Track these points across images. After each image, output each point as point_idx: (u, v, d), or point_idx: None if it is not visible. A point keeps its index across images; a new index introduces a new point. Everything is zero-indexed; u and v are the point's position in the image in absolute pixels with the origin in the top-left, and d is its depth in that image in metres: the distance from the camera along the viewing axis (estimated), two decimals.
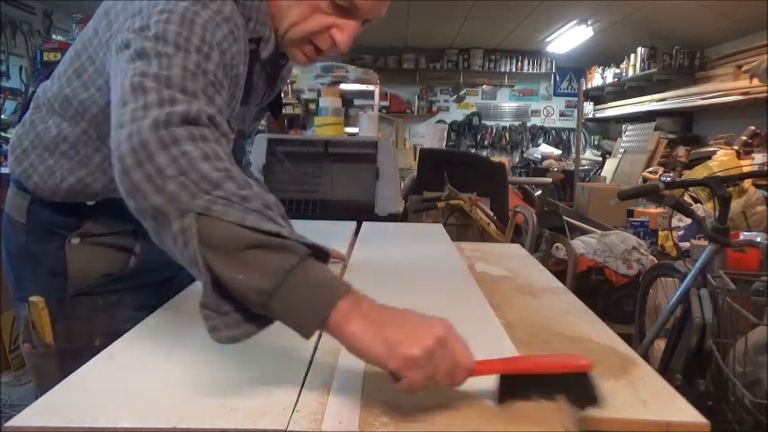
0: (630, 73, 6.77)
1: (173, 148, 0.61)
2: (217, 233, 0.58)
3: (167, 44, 0.71)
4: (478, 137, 8.92)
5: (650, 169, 5.47)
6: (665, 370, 1.89)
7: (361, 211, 2.59)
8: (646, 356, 2.04)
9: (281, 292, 0.58)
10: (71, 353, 0.94)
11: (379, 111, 4.42)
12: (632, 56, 6.67)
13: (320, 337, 0.86)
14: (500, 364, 0.68)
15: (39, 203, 0.98)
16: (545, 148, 8.04)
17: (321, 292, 0.59)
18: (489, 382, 0.67)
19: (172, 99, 0.66)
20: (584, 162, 7.20)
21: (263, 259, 0.58)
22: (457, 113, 9.05)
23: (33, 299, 0.97)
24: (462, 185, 3.14)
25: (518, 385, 0.65)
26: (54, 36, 5.52)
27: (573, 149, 7.43)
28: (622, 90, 7.37)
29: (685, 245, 2.86)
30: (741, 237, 2.74)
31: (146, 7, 0.76)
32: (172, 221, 0.60)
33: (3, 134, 4.14)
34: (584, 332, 0.98)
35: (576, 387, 0.65)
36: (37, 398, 0.65)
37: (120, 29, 0.79)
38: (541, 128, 8.94)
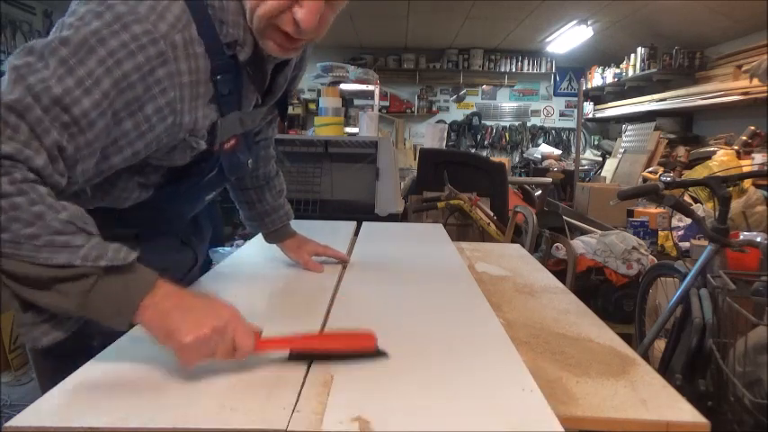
0: (630, 73, 6.76)
1: None
2: (16, 271, 0.66)
3: (46, 67, 0.69)
4: (478, 137, 8.92)
5: (650, 169, 5.47)
6: (665, 370, 1.89)
7: (361, 211, 2.60)
8: (646, 356, 2.04)
9: (87, 308, 0.68)
10: (70, 353, 0.93)
11: (379, 111, 4.42)
12: (632, 56, 6.67)
13: None
14: (285, 341, 0.76)
15: None
16: (545, 148, 8.03)
17: (121, 300, 0.69)
18: None
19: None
20: (584, 162, 7.19)
21: (63, 288, 0.67)
22: (457, 113, 9.04)
23: None
24: (462, 185, 3.14)
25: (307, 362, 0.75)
26: None
27: (573, 149, 7.42)
28: (622, 90, 7.36)
29: (685, 245, 2.86)
30: (741, 237, 2.73)
31: (69, 12, 0.75)
32: None
33: None
34: (584, 332, 0.98)
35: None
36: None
37: None
38: (541, 128, 8.93)
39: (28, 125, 0.67)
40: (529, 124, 8.97)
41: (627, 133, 6.75)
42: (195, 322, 0.69)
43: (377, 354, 0.76)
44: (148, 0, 0.74)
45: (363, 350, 0.76)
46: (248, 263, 1.39)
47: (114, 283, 0.68)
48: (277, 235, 1.33)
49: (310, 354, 0.75)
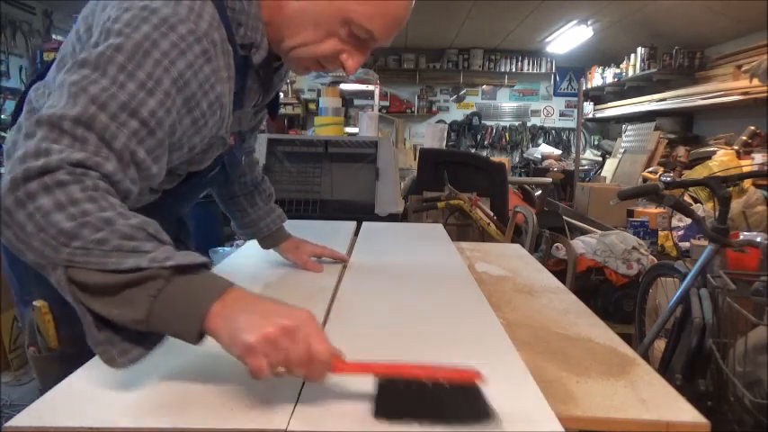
0: (630, 73, 6.76)
1: (28, 204, 0.63)
2: (86, 280, 0.63)
3: (104, 76, 0.70)
4: (478, 137, 8.92)
5: (650, 169, 5.47)
6: (665, 370, 1.89)
7: (361, 211, 2.60)
8: (646, 356, 2.04)
9: (154, 317, 0.63)
10: (75, 357, 0.93)
11: (379, 111, 4.42)
12: (632, 56, 6.67)
13: None
14: (374, 365, 0.65)
15: None
16: (545, 148, 8.03)
17: (190, 305, 0.64)
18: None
19: (46, 150, 0.65)
20: (584, 162, 7.19)
21: (130, 295, 0.63)
22: (457, 113, 9.04)
23: (37, 303, 0.96)
24: (462, 185, 3.14)
25: (399, 397, 0.62)
26: (54, 36, 5.52)
27: (573, 149, 7.42)
28: (622, 90, 7.36)
29: (685, 245, 2.86)
30: (741, 237, 2.73)
31: (111, 20, 0.74)
32: (49, 273, 0.65)
33: (3, 134, 4.14)
34: (584, 332, 0.98)
35: (464, 402, 0.61)
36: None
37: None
38: (541, 128, 8.94)
39: (96, 134, 0.67)
40: (529, 124, 8.97)
41: (627, 133, 6.75)
42: (261, 321, 0.62)
43: (482, 408, 0.61)
44: (186, 0, 0.76)
45: (463, 383, 0.62)
46: (248, 263, 1.39)
47: (183, 286, 0.64)
48: (273, 238, 1.33)
49: (405, 388, 0.62)
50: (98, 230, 0.63)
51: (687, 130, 6.15)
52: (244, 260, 1.43)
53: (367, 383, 0.64)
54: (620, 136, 6.95)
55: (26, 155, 0.64)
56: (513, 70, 8.78)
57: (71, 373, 0.73)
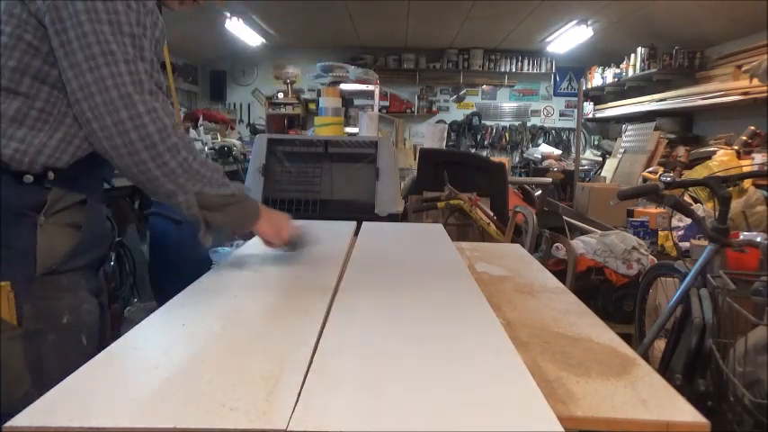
0: (630, 73, 6.76)
1: (177, 154, 1.04)
2: (207, 202, 1.10)
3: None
4: (478, 137, 8.92)
5: (650, 169, 5.47)
6: (665, 370, 1.89)
7: (361, 211, 2.60)
8: (646, 356, 2.04)
9: (236, 222, 1.18)
10: (40, 333, 0.99)
11: (379, 111, 4.42)
12: (632, 56, 6.67)
13: (320, 337, 0.86)
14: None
15: (6, 184, 0.98)
16: (545, 148, 8.03)
17: (251, 213, 1.21)
18: None
19: (166, 109, 1.04)
20: (584, 162, 7.19)
21: (228, 210, 1.14)
22: (457, 113, 9.04)
23: (2, 283, 0.97)
24: (462, 185, 3.14)
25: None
26: None
27: (573, 149, 7.42)
28: (622, 90, 7.37)
29: (685, 245, 2.86)
30: (741, 237, 2.73)
31: None
32: (178, 195, 1.07)
33: None
34: (584, 332, 0.98)
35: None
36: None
37: None
38: (541, 128, 8.94)
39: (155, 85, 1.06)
40: (529, 124, 8.97)
41: (627, 133, 6.75)
42: (286, 226, 1.31)
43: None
44: None
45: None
46: (248, 262, 1.38)
47: (248, 203, 1.19)
48: None
49: None
50: (212, 170, 1.10)
51: (687, 130, 6.15)
52: (244, 260, 1.43)
53: (362, 383, 0.64)
54: (620, 136, 6.95)
55: (156, 109, 1.00)
56: (513, 70, 8.78)
57: (35, 349, 0.74)
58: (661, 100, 5.96)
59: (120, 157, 0.99)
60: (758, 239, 2.64)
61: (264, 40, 7.96)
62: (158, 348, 0.81)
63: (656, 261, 2.82)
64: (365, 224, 1.90)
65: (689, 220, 2.77)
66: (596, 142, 8.52)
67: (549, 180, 4.99)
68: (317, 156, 2.80)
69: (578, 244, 2.97)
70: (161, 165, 1.01)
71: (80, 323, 1.07)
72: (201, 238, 1.12)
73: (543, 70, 8.79)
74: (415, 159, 4.82)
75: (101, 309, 1.16)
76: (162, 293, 2.69)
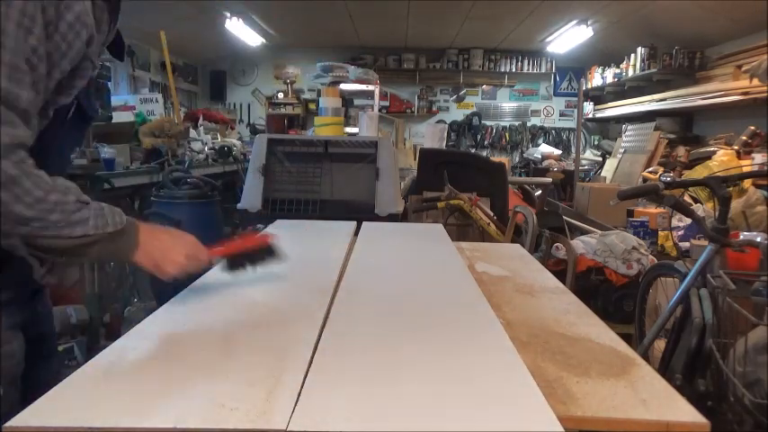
0: (630, 73, 6.76)
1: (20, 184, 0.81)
2: (47, 244, 0.87)
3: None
4: (478, 137, 8.92)
5: (650, 169, 5.46)
6: (665, 370, 1.89)
7: (361, 211, 2.59)
8: (646, 356, 2.04)
9: (100, 258, 1.03)
10: None
11: (379, 111, 4.42)
12: (632, 56, 6.67)
13: (320, 337, 0.86)
14: (220, 249, 1.14)
15: None
16: (545, 148, 8.03)
17: (122, 249, 0.94)
18: None
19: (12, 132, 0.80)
20: (584, 162, 7.19)
21: (82, 251, 0.89)
22: (457, 113, 9.04)
23: None
24: (462, 185, 3.14)
25: (236, 260, 1.16)
26: None
27: (573, 149, 7.42)
28: (622, 90, 7.36)
29: (685, 245, 2.86)
30: (741, 237, 2.73)
31: None
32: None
33: None
34: (584, 332, 0.98)
35: (266, 253, 1.19)
36: None
37: None
38: (541, 128, 8.94)
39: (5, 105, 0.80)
40: (529, 124, 8.97)
41: (627, 133, 6.75)
42: (175, 256, 0.98)
43: (272, 250, 1.19)
44: None
45: (263, 244, 1.18)
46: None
47: (116, 237, 0.92)
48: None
49: (234, 254, 1.15)
50: (51, 212, 0.83)
51: (687, 130, 6.14)
52: None
53: (362, 383, 0.64)
54: (620, 136, 6.95)
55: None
56: (513, 70, 8.78)
57: None
58: (661, 100, 5.95)
59: None
60: (758, 239, 2.64)
61: (264, 40, 7.96)
62: (158, 348, 0.81)
63: (656, 261, 2.82)
64: (365, 224, 1.90)
65: (689, 220, 2.77)
66: (596, 142, 8.52)
67: (549, 180, 4.99)
68: (317, 156, 2.80)
69: (578, 244, 2.97)
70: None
71: None
72: (38, 278, 0.96)
73: (543, 70, 8.79)
74: (415, 159, 4.82)
75: (38, 339, 1.04)
76: (162, 293, 2.69)
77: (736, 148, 4.58)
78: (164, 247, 0.97)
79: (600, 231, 3.26)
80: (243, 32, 7.11)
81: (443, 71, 8.79)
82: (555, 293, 1.22)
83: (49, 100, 0.90)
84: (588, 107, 8.01)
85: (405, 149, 5.94)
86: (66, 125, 0.99)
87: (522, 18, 6.59)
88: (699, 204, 3.64)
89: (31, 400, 0.64)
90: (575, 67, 8.70)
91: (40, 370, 1.06)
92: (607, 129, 8.47)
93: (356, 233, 1.78)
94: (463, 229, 3.17)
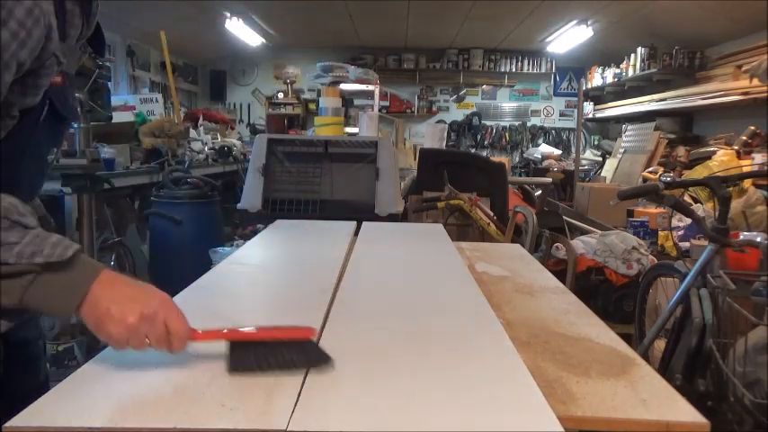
0: (630, 73, 6.76)
1: None
2: None
3: None
4: (478, 137, 8.92)
5: (650, 169, 5.47)
6: (665, 370, 1.89)
7: (361, 211, 2.59)
8: (646, 356, 2.04)
9: (29, 304, 0.68)
10: None
11: (379, 111, 4.42)
12: (632, 56, 6.67)
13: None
14: (224, 333, 0.75)
15: None
16: (545, 148, 8.03)
17: (63, 294, 0.69)
18: None
19: None
20: (584, 162, 7.19)
21: (3, 285, 0.67)
22: (457, 113, 9.04)
23: None
24: (462, 185, 3.14)
25: (249, 354, 0.73)
26: None
27: (573, 149, 7.42)
28: (622, 90, 7.36)
29: (685, 245, 2.86)
30: (741, 237, 2.73)
31: None
32: None
33: None
34: (584, 332, 0.98)
35: (302, 353, 0.74)
36: None
37: None
38: (541, 128, 8.94)
39: None
40: (529, 124, 8.97)
41: (627, 133, 6.75)
42: (122, 312, 0.69)
43: (318, 356, 0.74)
44: None
45: (299, 339, 0.76)
46: (248, 263, 1.38)
47: (54, 278, 0.68)
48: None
49: (248, 343, 0.74)
50: None
51: (687, 130, 6.15)
52: (243, 260, 1.43)
53: (362, 383, 0.64)
54: (620, 136, 6.95)
55: None
56: (513, 70, 8.78)
57: None
58: (661, 100, 5.96)
59: None
60: (758, 239, 2.64)
61: (264, 40, 7.96)
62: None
63: (656, 261, 2.82)
64: (365, 224, 1.90)
65: (689, 220, 2.77)
66: (596, 142, 8.52)
67: (549, 180, 4.99)
68: (317, 156, 2.80)
69: (578, 244, 2.97)
70: None
71: None
72: None
73: (543, 70, 8.79)
74: (415, 159, 4.82)
75: (22, 344, 0.98)
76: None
77: (736, 148, 4.58)
78: (117, 299, 0.70)
79: (600, 231, 3.26)
80: (243, 32, 7.11)
81: (443, 71, 8.80)
82: (555, 293, 1.22)
83: (13, 100, 0.82)
84: (588, 107, 8.01)
85: (405, 149, 5.95)
86: (41, 126, 0.91)
87: (522, 18, 6.59)
88: (699, 204, 3.64)
89: (13, 406, 0.62)
90: (575, 67, 8.70)
91: (24, 375, 1.01)
92: (607, 129, 8.47)
93: (356, 233, 1.78)
94: (463, 229, 3.17)
